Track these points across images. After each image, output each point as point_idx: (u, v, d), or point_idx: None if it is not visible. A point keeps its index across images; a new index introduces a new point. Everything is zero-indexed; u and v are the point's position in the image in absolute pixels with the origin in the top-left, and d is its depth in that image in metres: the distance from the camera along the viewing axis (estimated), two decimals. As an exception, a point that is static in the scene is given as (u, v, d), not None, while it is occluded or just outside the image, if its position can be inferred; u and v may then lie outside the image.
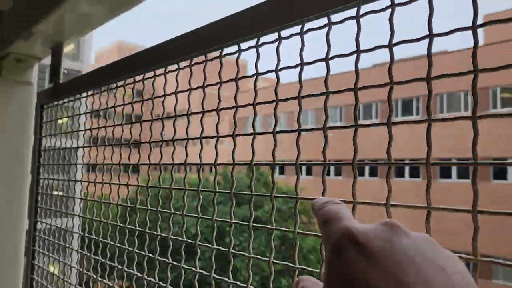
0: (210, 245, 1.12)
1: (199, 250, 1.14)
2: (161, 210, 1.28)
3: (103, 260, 1.45)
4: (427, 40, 0.70)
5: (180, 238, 1.21)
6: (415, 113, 23.09)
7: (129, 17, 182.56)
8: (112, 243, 1.46)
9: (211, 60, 1.11)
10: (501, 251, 18.89)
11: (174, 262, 1.22)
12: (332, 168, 27.06)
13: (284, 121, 30.55)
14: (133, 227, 1.45)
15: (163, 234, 1.36)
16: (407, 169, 23.15)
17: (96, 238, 1.51)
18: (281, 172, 30.34)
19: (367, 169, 25.13)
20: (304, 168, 28.77)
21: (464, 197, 20.32)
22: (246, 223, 1.06)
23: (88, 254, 1.51)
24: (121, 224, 1.47)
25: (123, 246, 1.41)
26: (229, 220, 1.10)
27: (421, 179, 22.40)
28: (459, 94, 21.51)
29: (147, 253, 1.28)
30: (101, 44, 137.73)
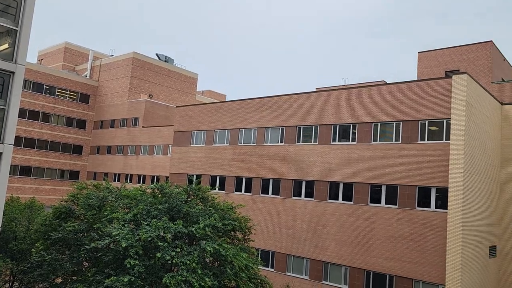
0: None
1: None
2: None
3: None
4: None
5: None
6: (351, 139, 24.15)
7: (73, 19, 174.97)
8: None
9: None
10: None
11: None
12: (270, 187, 27.38)
13: (227, 137, 30.66)
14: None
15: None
16: (340, 193, 24.00)
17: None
18: (221, 187, 30.27)
19: (303, 190, 25.74)
20: (243, 185, 28.85)
21: (389, 220, 21.44)
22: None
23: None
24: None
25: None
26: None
27: (352, 202, 23.34)
28: (392, 123, 22.84)
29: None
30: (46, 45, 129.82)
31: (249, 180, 28.83)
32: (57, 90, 54.99)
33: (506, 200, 23.79)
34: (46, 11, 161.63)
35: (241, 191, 29.12)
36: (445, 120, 20.86)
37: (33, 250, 18.33)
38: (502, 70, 34.09)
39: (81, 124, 57.11)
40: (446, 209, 20.04)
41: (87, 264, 17.22)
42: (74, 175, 55.93)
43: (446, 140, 20.67)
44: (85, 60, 63.31)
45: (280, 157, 27.21)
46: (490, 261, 22.64)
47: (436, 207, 20.67)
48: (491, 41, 32.13)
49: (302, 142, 26.42)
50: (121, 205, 17.60)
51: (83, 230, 17.46)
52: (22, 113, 51.36)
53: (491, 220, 23.00)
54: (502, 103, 24.85)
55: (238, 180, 29.50)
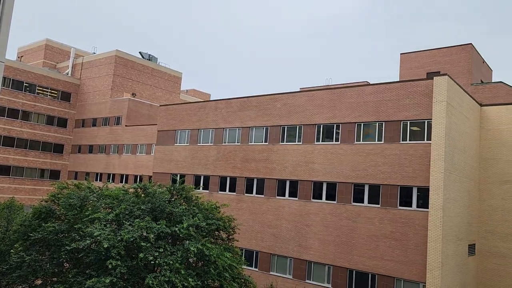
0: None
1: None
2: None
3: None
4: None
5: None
6: (335, 139, 24.33)
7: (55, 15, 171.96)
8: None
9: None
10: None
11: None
12: (254, 187, 27.38)
13: (212, 136, 30.54)
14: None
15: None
16: (324, 193, 24.16)
17: None
18: (205, 187, 30.13)
19: (287, 189, 25.83)
20: (227, 185, 28.79)
21: (372, 219, 21.67)
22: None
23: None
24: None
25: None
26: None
27: (336, 202, 23.52)
28: (375, 124, 23.09)
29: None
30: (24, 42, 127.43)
31: (233, 180, 28.78)
32: (37, 88, 53.93)
33: (484, 200, 24.32)
34: (25, 11, 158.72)
35: (225, 191, 29.06)
36: (426, 121, 21.19)
37: (12, 251, 17.94)
38: (481, 72, 34.84)
39: (62, 122, 56.13)
40: (427, 208, 20.37)
41: (68, 265, 16.94)
42: (54, 174, 54.95)
43: (427, 140, 21.01)
44: (66, 58, 62.24)
45: (264, 156, 27.24)
46: (469, 259, 23.12)
47: (417, 206, 20.99)
48: (470, 43, 32.80)
49: (286, 142, 26.49)
50: (103, 205, 17.37)
51: (64, 231, 17.16)
52: (1, 111, 50.19)
53: (471, 219, 23.48)
54: (481, 105, 25.39)
55: (222, 179, 29.42)
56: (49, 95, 55.13)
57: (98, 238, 14.18)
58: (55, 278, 16.54)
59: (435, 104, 20.68)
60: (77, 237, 15.83)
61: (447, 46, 33.79)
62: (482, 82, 33.37)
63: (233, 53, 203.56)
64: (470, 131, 23.54)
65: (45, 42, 61.92)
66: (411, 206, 21.18)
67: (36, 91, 53.81)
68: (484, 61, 35.61)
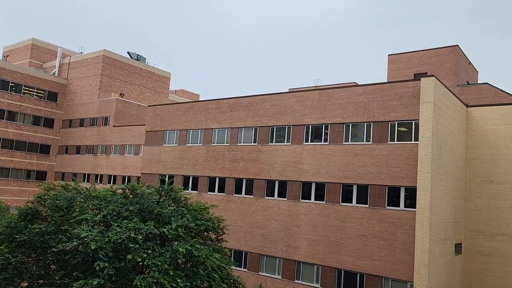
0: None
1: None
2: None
3: None
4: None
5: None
6: (323, 139, 24.45)
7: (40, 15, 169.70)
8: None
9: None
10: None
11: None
12: (243, 187, 27.36)
13: (201, 137, 30.44)
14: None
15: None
16: (312, 193, 24.25)
17: None
18: (194, 187, 30.02)
19: (276, 190, 25.87)
20: (216, 185, 28.71)
21: (360, 219, 21.83)
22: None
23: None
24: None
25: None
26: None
27: (324, 202, 23.63)
28: (363, 124, 23.26)
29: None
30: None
31: (222, 180, 28.72)
32: (23, 87, 53.16)
33: (470, 199, 24.65)
34: (25, 12, 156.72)
35: (214, 191, 28.97)
36: (413, 122, 21.41)
37: (-3, 253, 17.65)
38: (467, 73, 35.31)
39: (49, 123, 55.41)
40: (415, 208, 20.58)
41: (54, 267, 16.72)
42: (41, 175, 54.22)
43: (414, 141, 21.22)
44: (53, 58, 61.48)
45: (253, 157, 27.24)
46: (456, 258, 23.41)
47: (405, 206, 21.19)
48: (457, 45, 33.22)
49: (275, 142, 26.53)
50: (90, 206, 17.18)
51: (51, 232, 16.94)
52: (-15, 111, 49.36)
53: (457, 219, 23.78)
54: (467, 106, 25.74)
55: (211, 180, 29.34)
56: (36, 95, 54.38)
57: (85, 239, 14.03)
58: (42, 280, 16.32)
59: (422, 105, 20.91)
60: (64, 238, 15.63)
61: (434, 48, 34.18)
62: (468, 83, 33.82)
63: (232, 53, 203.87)
64: (456, 131, 23.85)
65: (31, 41, 61.09)
66: (398, 206, 21.38)
67: (22, 91, 53.04)
68: (470, 63, 36.10)
